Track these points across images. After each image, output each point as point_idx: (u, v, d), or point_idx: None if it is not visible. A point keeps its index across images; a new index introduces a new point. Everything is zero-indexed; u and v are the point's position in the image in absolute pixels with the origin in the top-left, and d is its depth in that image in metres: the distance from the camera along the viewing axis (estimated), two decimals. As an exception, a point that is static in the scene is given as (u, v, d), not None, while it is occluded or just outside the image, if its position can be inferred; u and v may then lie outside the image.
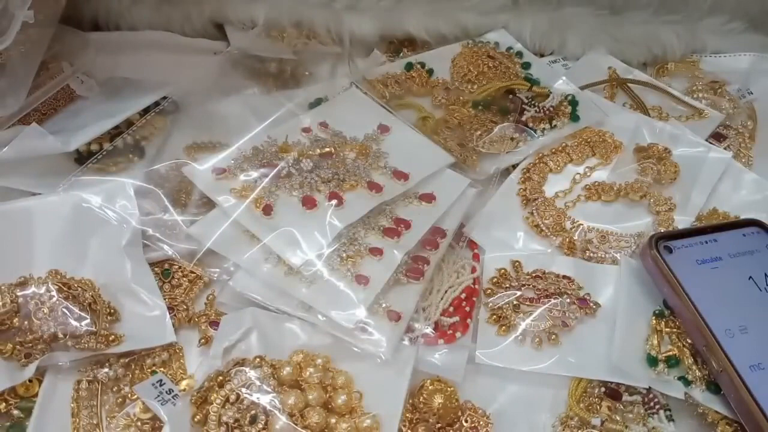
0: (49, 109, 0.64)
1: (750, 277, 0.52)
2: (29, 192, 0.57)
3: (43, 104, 0.63)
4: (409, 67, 0.72)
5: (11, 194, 0.57)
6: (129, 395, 0.49)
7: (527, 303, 0.54)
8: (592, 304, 0.54)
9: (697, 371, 0.50)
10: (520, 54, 0.76)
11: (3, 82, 0.60)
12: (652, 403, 0.49)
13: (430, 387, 0.49)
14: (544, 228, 0.60)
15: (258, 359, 0.48)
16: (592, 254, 0.58)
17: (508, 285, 0.55)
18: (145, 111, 0.65)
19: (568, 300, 0.53)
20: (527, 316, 0.53)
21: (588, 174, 0.64)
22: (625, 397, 0.50)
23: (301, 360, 0.48)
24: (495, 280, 0.56)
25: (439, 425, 0.48)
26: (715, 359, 0.48)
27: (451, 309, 0.54)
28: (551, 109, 0.67)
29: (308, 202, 0.56)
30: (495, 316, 0.53)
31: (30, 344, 0.48)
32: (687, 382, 0.50)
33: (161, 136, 0.65)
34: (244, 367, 0.47)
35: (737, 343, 0.48)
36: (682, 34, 0.76)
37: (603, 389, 0.50)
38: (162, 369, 0.50)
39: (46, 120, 0.63)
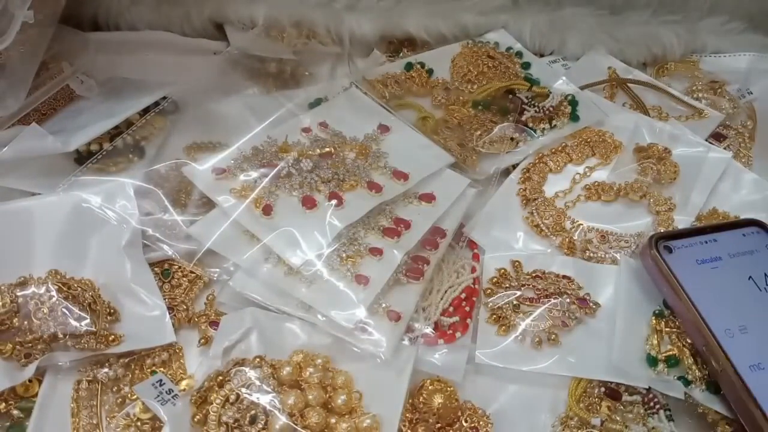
0: (48, 109, 0.64)
1: (750, 277, 0.52)
2: (29, 192, 0.57)
3: (42, 104, 0.63)
4: (409, 67, 0.72)
5: (11, 194, 0.57)
6: (129, 395, 0.49)
7: (527, 303, 0.54)
8: (591, 304, 0.54)
9: (696, 371, 0.50)
10: (520, 54, 0.76)
11: (3, 82, 0.60)
12: (651, 403, 0.49)
13: (429, 387, 0.49)
14: (544, 228, 0.60)
15: (258, 359, 0.48)
16: (592, 254, 0.58)
17: (508, 285, 0.55)
18: (145, 111, 0.65)
19: (567, 300, 0.53)
20: (527, 316, 0.53)
21: (588, 174, 0.64)
22: (625, 397, 0.50)
23: (301, 360, 0.48)
24: (495, 280, 0.56)
25: (439, 425, 0.48)
26: (715, 359, 0.48)
27: (451, 309, 0.54)
28: (551, 109, 0.67)
29: (308, 202, 0.56)
30: (495, 316, 0.53)
31: (30, 344, 0.48)
32: (687, 382, 0.49)
33: (161, 136, 0.65)
34: (244, 367, 0.47)
35: (737, 343, 0.48)
36: (682, 34, 0.76)
37: (603, 389, 0.50)
38: (162, 369, 0.50)
39: (46, 120, 0.63)
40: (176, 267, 0.56)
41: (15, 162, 0.58)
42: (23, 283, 0.50)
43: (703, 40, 0.77)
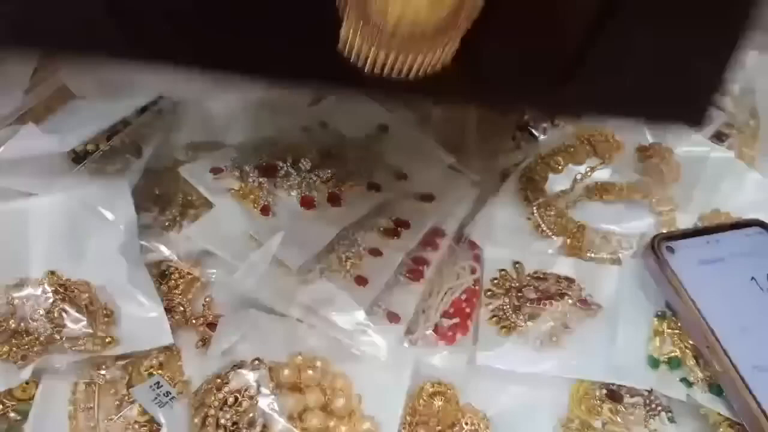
0: (45, 108, 0.63)
1: (752, 278, 0.52)
2: (25, 192, 0.57)
3: (39, 104, 0.63)
4: (409, 66, 0.72)
5: (7, 194, 0.57)
6: (126, 397, 0.48)
7: (528, 304, 0.53)
8: (593, 305, 0.53)
9: (699, 372, 0.50)
10: (520, 53, 0.75)
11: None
12: (653, 405, 0.49)
13: (429, 389, 0.48)
14: (545, 228, 0.60)
15: (256, 361, 0.47)
16: (593, 255, 0.57)
17: (508, 286, 0.55)
18: (143, 110, 0.64)
19: (569, 301, 0.53)
20: (528, 317, 0.53)
21: (589, 174, 0.64)
22: (627, 399, 0.49)
23: (299, 362, 0.48)
24: (495, 281, 0.56)
25: (439, 428, 0.47)
26: (717, 360, 0.48)
27: (451, 310, 0.54)
28: (552, 108, 0.66)
29: (307, 202, 0.56)
30: (495, 318, 0.53)
31: (26, 346, 0.48)
32: (689, 384, 0.49)
33: (159, 135, 0.64)
34: (242, 370, 0.46)
35: (739, 344, 0.48)
36: (683, 33, 0.76)
37: (604, 391, 0.50)
38: (159, 371, 0.50)
39: (43, 120, 0.62)
40: (174, 268, 0.55)
41: (11, 162, 0.57)
42: (19, 285, 0.50)
43: (704, 39, 0.77)
